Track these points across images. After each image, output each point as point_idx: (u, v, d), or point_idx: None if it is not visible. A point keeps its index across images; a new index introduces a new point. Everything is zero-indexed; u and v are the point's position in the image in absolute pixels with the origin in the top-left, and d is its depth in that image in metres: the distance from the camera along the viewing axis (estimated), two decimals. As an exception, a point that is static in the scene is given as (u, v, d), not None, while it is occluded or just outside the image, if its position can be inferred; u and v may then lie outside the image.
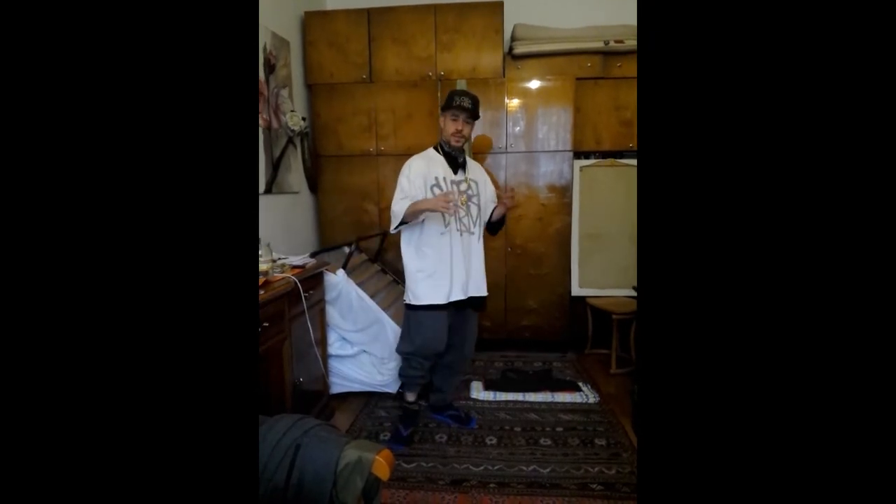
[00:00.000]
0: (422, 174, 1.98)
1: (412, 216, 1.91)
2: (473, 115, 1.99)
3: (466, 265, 2.06)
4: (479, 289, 2.12)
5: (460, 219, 2.03)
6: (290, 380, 1.87)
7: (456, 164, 2.05)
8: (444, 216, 1.97)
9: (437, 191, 1.97)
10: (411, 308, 2.08)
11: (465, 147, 2.08)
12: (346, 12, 3.03)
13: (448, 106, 1.98)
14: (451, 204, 1.81)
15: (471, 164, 2.14)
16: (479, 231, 2.11)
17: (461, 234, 2.04)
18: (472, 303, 2.11)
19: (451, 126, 1.98)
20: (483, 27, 2.94)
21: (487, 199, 2.15)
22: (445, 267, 2.01)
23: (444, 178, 2.01)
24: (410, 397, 2.22)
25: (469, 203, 2.06)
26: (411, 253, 2.06)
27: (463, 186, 2.05)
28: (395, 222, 1.96)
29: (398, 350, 2.20)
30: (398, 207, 1.93)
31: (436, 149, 2.08)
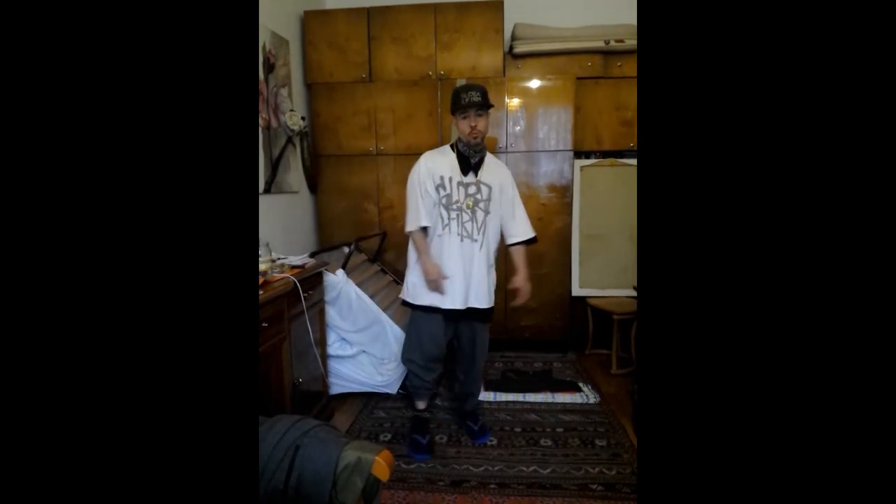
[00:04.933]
0: (429, 171, 1.94)
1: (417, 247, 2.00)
2: (485, 105, 1.86)
3: (466, 273, 1.95)
4: (480, 300, 1.99)
5: (463, 223, 1.93)
6: (290, 380, 1.86)
7: (468, 165, 1.94)
8: (443, 217, 1.93)
9: (441, 191, 1.93)
10: (406, 305, 2.09)
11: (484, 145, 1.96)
12: (346, 11, 3.02)
13: (457, 106, 1.87)
14: (435, 282, 1.91)
15: (490, 164, 1.99)
16: (483, 239, 1.95)
17: (461, 239, 1.93)
18: (473, 314, 2.00)
19: (464, 126, 1.87)
20: (483, 26, 2.93)
21: (506, 205, 2.00)
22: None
23: (450, 179, 1.92)
24: (420, 405, 2.16)
25: (476, 208, 1.93)
26: (413, 247, 2.05)
27: (472, 189, 1.93)
28: (408, 228, 2.00)
29: (402, 358, 2.18)
30: (414, 222, 1.96)
31: (452, 147, 1.98)
